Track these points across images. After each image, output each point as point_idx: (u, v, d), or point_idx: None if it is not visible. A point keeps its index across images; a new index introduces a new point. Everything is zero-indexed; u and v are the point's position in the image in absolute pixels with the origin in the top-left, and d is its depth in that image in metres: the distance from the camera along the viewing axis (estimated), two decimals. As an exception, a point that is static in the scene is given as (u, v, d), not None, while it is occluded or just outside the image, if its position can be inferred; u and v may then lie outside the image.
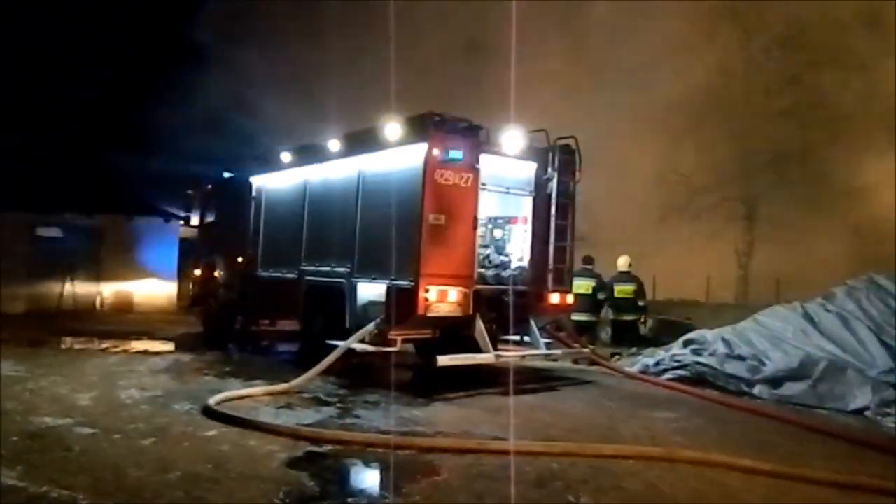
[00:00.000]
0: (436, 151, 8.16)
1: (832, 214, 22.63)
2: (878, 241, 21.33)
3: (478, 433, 6.22)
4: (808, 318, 9.92)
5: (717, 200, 24.28)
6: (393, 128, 8.54)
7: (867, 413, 7.67)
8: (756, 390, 8.76)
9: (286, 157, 11.21)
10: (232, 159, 14.81)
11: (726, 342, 10.09)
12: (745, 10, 23.30)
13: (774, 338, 9.87)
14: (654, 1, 22.75)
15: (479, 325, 8.49)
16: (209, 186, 14.64)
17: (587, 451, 5.49)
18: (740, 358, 9.53)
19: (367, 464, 5.26)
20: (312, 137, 11.13)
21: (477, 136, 8.82)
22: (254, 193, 12.03)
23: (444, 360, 7.89)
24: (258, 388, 7.77)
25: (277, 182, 11.53)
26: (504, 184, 9.21)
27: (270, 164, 11.63)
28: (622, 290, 12.74)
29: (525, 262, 9.49)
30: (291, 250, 10.58)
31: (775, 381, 8.66)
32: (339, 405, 7.29)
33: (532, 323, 9.26)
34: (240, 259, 12.31)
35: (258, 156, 12.54)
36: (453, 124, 8.63)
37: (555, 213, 9.32)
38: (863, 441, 6.38)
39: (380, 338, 8.33)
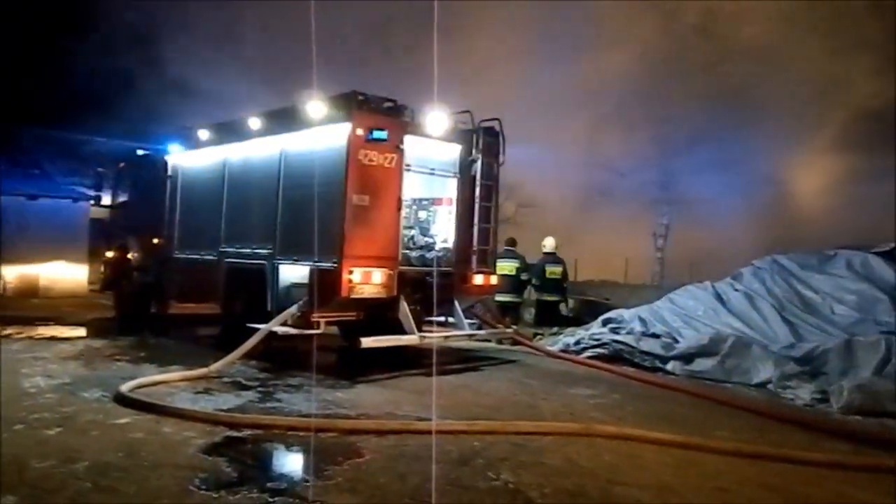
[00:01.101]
0: (360, 131, 8.04)
1: (743, 199, 23.81)
2: (783, 225, 22.62)
3: (401, 414, 6.23)
4: (718, 297, 10.42)
5: (636, 184, 25.10)
6: (316, 106, 8.35)
7: (770, 386, 8.11)
8: (669, 366, 9.13)
9: (204, 134, 10.81)
10: (145, 136, 14.18)
11: (642, 321, 10.48)
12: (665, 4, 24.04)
13: (687, 316, 10.33)
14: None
15: (404, 306, 8.48)
16: (121, 165, 13.96)
17: (508, 429, 5.58)
18: (655, 336, 9.92)
19: (288, 448, 5.18)
20: (232, 114, 10.77)
21: (402, 117, 8.73)
22: (170, 172, 11.56)
23: (368, 342, 7.84)
24: (175, 374, 7.51)
25: (195, 161, 11.11)
26: (429, 165, 9.19)
27: (187, 141, 11.20)
28: (552, 271, 12.94)
29: (450, 244, 9.51)
30: (210, 231, 10.25)
31: (687, 358, 9.04)
32: (260, 389, 7.14)
33: (456, 304, 9.32)
34: (155, 240, 11.84)
35: (174, 133, 12.04)
36: (377, 104, 8.51)
37: (479, 195, 9.38)
38: (766, 412, 6.75)
39: (302, 320, 8.19)
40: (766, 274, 10.42)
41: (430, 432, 5.34)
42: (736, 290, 10.44)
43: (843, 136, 23.84)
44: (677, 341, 9.61)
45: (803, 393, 7.57)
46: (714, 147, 24.12)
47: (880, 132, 23.86)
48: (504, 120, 9.59)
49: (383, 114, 8.46)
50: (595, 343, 10.11)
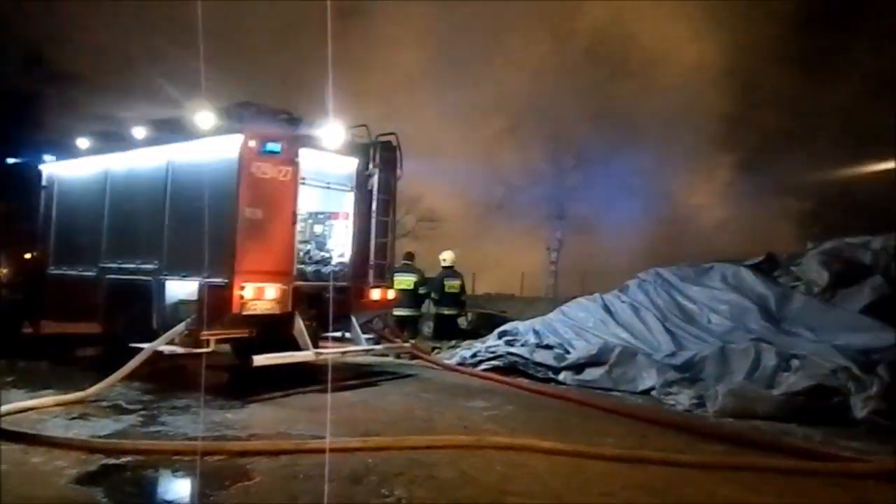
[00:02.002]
0: (252, 143, 7.84)
1: (631, 214, 25.05)
2: (670, 239, 23.97)
3: (294, 433, 6.08)
4: (606, 308, 10.86)
5: (532, 199, 25.85)
6: (205, 116, 8.08)
7: (653, 393, 8.53)
8: (561, 376, 9.41)
9: (84, 143, 10.19)
10: (17, 144, 13.18)
11: (536, 333, 10.76)
12: (558, 21, 24.99)
13: (578, 327, 10.70)
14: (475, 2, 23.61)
15: (299, 322, 8.31)
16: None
17: (403, 444, 5.57)
18: (548, 347, 10.21)
19: (172, 474, 4.93)
20: (115, 123, 10.23)
21: (297, 129, 8.60)
22: (44, 183, 10.81)
23: (260, 360, 7.62)
24: (47, 399, 6.99)
25: (73, 171, 10.44)
26: (325, 179, 9.09)
27: (65, 150, 10.52)
28: (451, 285, 13.03)
29: (346, 258, 9.43)
30: (90, 246, 9.65)
31: (578, 368, 9.35)
32: (142, 413, 6.77)
33: (353, 319, 9.24)
34: (27, 255, 11.01)
35: (50, 141, 11.28)
36: (272, 115, 8.35)
37: (376, 209, 9.36)
38: (648, 418, 7.09)
39: (191, 338, 7.85)
40: (649, 286, 10.98)
41: (323, 451, 5.25)
42: (623, 301, 10.94)
43: (729, 154, 25.58)
44: (569, 352, 9.92)
45: (683, 398, 8.01)
46: (605, 164, 25.29)
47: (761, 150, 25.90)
48: (403, 134, 9.66)
49: (277, 126, 8.30)
50: (491, 355, 10.28)
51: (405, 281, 12.34)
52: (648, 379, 8.72)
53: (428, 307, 13.76)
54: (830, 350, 7.89)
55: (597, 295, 11.51)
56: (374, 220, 9.37)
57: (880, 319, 8.81)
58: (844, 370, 7.41)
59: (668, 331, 9.94)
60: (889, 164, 24.98)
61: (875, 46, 22.86)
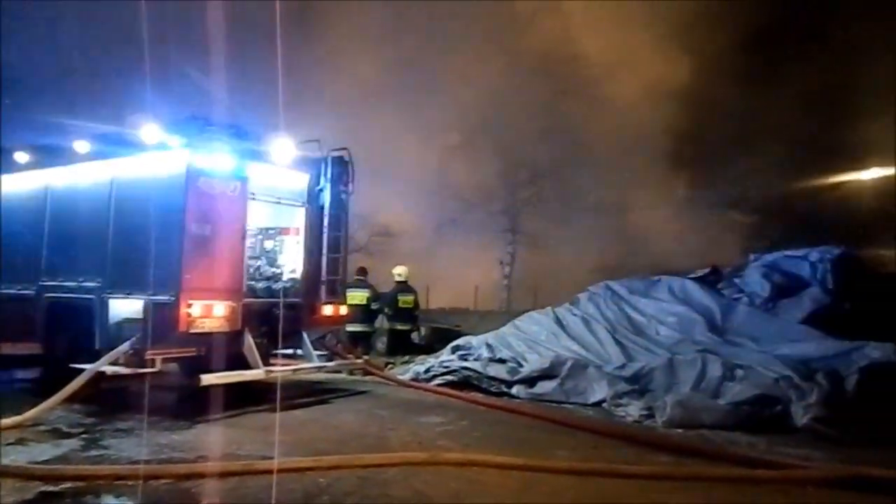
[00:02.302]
0: (199, 158, 7.71)
1: (582, 228, 25.48)
2: (619, 253, 24.43)
3: (243, 454, 5.96)
4: (558, 321, 10.98)
5: (485, 214, 26.05)
6: (151, 130, 7.90)
7: (604, 405, 8.63)
8: (514, 390, 9.46)
9: (21, 157, 9.85)
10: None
11: (490, 347, 10.80)
12: (508, 39, 25.34)
13: (531, 341, 10.78)
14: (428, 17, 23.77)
15: (249, 339, 8.17)
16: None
17: (355, 463, 5.52)
18: (501, 361, 10.25)
19: (115, 499, 4.77)
20: (56, 136, 9.92)
21: (246, 144, 8.49)
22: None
23: (208, 379, 7.45)
24: (-19, 424, 6.69)
25: (10, 186, 10.07)
26: (275, 194, 9.00)
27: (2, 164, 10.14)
28: (405, 300, 13.00)
29: (298, 274, 9.33)
30: (27, 263, 9.28)
31: (531, 381, 9.41)
32: (84, 436, 6.54)
33: (305, 336, 9.13)
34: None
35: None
36: (220, 130, 8.22)
37: (328, 225, 9.30)
38: (599, 430, 7.17)
39: (136, 358, 7.63)
40: (600, 299, 11.16)
41: (273, 471, 5.16)
42: (574, 314, 11.08)
43: (678, 169, 26.24)
44: (522, 366, 9.98)
45: (633, 410, 8.13)
46: (557, 179, 25.71)
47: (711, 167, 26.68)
48: (356, 148, 9.64)
49: (226, 140, 8.17)
50: (445, 370, 10.27)
51: (358, 296, 12.27)
52: (599, 391, 8.83)
53: (381, 322, 13.70)
54: (772, 360, 8.14)
55: (549, 308, 11.64)
56: (326, 236, 9.30)
57: (819, 329, 9.15)
58: (786, 379, 7.65)
59: (619, 343, 10.11)
60: (828, 179, 26.09)
61: (820, 61, 23.77)
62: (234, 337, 8.07)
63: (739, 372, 8.09)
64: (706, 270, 11.47)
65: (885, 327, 8.88)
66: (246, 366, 8.12)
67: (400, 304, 12.84)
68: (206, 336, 7.77)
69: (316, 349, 9.43)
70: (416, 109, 23.71)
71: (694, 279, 11.02)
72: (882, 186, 27.44)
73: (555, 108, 25.30)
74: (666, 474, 5.52)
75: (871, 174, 27.79)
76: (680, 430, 7.42)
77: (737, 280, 10.97)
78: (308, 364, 9.09)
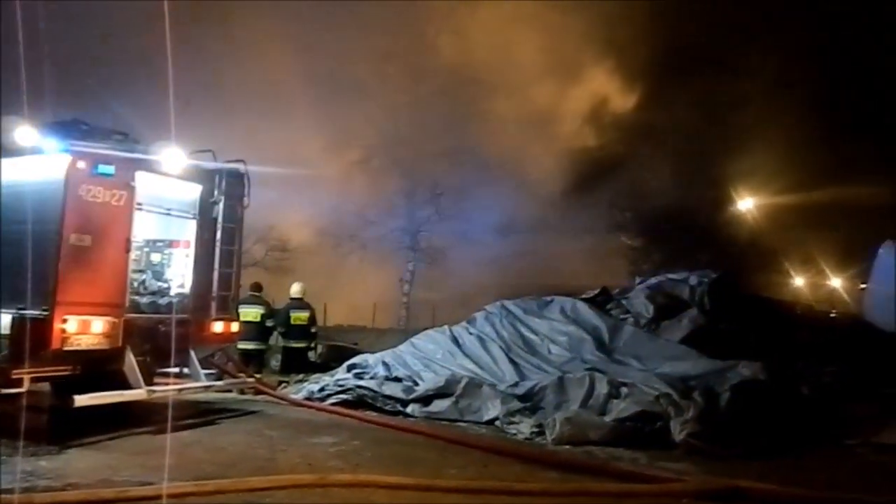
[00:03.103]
0: (81, 164, 7.26)
1: (482, 247, 25.94)
2: (515, 273, 25.02)
3: (120, 480, 5.60)
4: (454, 340, 11.09)
5: (386, 231, 26.03)
6: (27, 133, 7.38)
7: (497, 422, 8.76)
8: (410, 409, 9.44)
9: None
10: None
11: (386, 365, 10.75)
12: (413, 60, 25.61)
13: (427, 359, 10.82)
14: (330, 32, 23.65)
15: (130, 357, 7.72)
16: None
17: (240, 486, 5.31)
18: (398, 379, 10.22)
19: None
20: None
21: (134, 151, 8.08)
22: None
23: (82, 400, 6.97)
24: None
25: None
26: (165, 205, 8.62)
27: None
28: (298, 317, 12.72)
29: (186, 289, 8.94)
30: None
31: (425, 400, 9.43)
32: (-65, 464, 5.95)
33: (192, 353, 8.72)
34: None
35: None
36: (105, 135, 7.81)
37: (220, 238, 8.98)
38: (490, 448, 7.27)
39: (1, 377, 7.04)
40: (495, 318, 11.37)
41: (151, 498, 4.89)
42: (470, 333, 11.23)
43: (574, 191, 27.24)
44: (417, 384, 9.98)
45: (524, 427, 8.30)
46: (458, 198, 26.10)
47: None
48: (255, 161, 9.41)
49: (112, 146, 7.76)
50: (339, 389, 10.11)
51: (251, 313, 11.92)
52: (493, 409, 8.95)
53: (276, 340, 13.36)
54: (654, 378, 8.55)
55: (446, 327, 11.74)
56: (218, 250, 8.98)
57: (696, 348, 9.71)
58: (666, 396, 8.05)
59: (512, 361, 10.31)
60: (711, 206, 27.88)
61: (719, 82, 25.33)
62: (115, 354, 7.62)
63: (624, 390, 8.44)
64: (596, 291, 11.95)
65: (755, 347, 9.58)
66: (127, 385, 7.67)
67: (293, 321, 12.57)
68: (83, 353, 7.28)
69: (204, 368, 9.04)
70: (318, 123, 23.48)
71: (584, 300, 11.44)
72: (757, 215, 29.69)
73: (458, 127, 25.76)
74: (553, 491, 5.67)
75: (747, 203, 30.03)
76: (568, 447, 7.63)
77: (624, 301, 11.48)
78: (195, 383, 8.68)
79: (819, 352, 10.12)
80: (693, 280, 11.41)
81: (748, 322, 10.83)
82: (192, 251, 8.95)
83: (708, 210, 27.42)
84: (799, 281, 31.97)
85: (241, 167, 9.20)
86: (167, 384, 8.64)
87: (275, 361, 13.48)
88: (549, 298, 11.74)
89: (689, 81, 24.62)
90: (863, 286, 15.25)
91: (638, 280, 12.42)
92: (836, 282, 31.95)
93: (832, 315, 15.34)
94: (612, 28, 24.36)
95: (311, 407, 9.60)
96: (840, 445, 7.79)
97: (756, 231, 29.32)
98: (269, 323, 12.40)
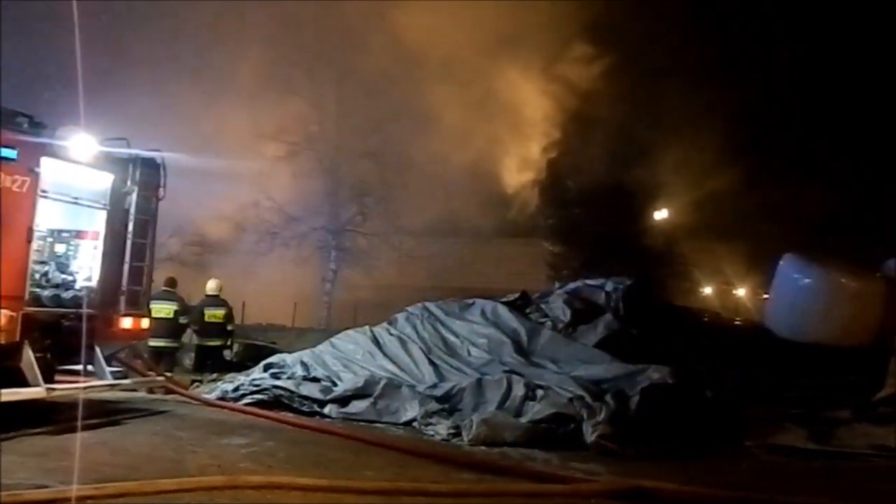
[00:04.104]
0: (-22, 147, 6.83)
1: (406, 249, 25.93)
2: (438, 275, 25.15)
3: (12, 483, 5.27)
4: (375, 341, 11.03)
5: (308, 229, 25.60)
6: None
7: (415, 424, 8.77)
8: (327, 410, 9.33)
9: None
10: None
11: (304, 365, 10.59)
12: (342, 59, 25.23)
13: (347, 360, 10.72)
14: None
15: (28, 353, 7.28)
16: None
17: (145, 489, 5.10)
18: (315, 380, 10.09)
19: None
20: None
21: (39, 136, 7.64)
22: None
23: (-29, 399, 6.54)
24: None
25: None
26: (72, 193, 8.18)
27: None
28: (213, 314, 12.37)
29: (94, 283, 8.52)
30: None
31: (344, 400, 9.35)
32: None
33: (98, 350, 8.32)
34: None
35: None
36: (7, 118, 7.34)
37: (132, 231, 8.63)
38: (407, 449, 7.27)
39: None
40: (416, 319, 11.38)
41: (47, 501, 4.63)
42: (391, 334, 11.19)
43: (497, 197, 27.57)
44: (336, 384, 9.89)
45: (441, 429, 8.33)
46: (383, 199, 25.98)
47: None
48: (174, 151, 9.10)
49: (13, 129, 7.30)
50: (255, 389, 9.88)
51: (164, 309, 11.52)
52: (411, 410, 8.97)
53: (190, 338, 12.96)
54: (569, 380, 8.77)
55: (367, 327, 11.67)
56: (129, 242, 8.62)
57: (610, 352, 10.01)
58: (579, 399, 8.27)
59: (432, 363, 10.34)
60: (631, 214, 28.85)
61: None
62: (11, 350, 7.18)
63: (540, 392, 8.62)
64: (516, 295, 12.15)
65: (665, 351, 9.97)
66: (25, 383, 7.24)
67: (207, 319, 12.21)
68: (-27, 349, 6.84)
69: (111, 365, 8.66)
70: (242, 117, 22.87)
71: (505, 303, 11.60)
72: (670, 224, 30.96)
73: (385, 128, 25.61)
74: (467, 492, 5.72)
75: (662, 214, 31.27)
76: (484, 448, 7.71)
77: (543, 305, 11.72)
78: (100, 382, 8.29)
79: (723, 357, 10.62)
80: (609, 286, 11.77)
81: (659, 328, 11.27)
82: (101, 243, 8.54)
83: (625, 219, 28.37)
84: (708, 289, 33.56)
85: (157, 156, 8.87)
86: (69, 382, 8.22)
87: (188, 360, 13.06)
88: (470, 301, 11.85)
89: (613, 92, 25.38)
90: (765, 296, 16.13)
91: (557, 285, 12.72)
92: (741, 291, 33.74)
93: (737, 322, 16.15)
94: (544, 31, 24.82)
95: (224, 407, 9.34)
96: (739, 446, 8.19)
97: (670, 241, 30.56)
98: (182, 320, 12.01)
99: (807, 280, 11.72)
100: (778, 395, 9.49)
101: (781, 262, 12.27)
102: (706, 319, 13.53)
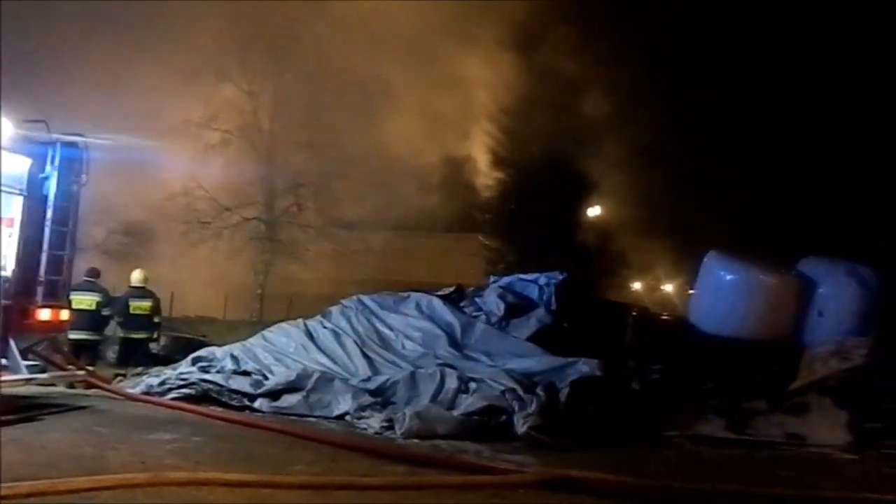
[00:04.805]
0: None
1: (341, 241, 25.68)
2: (374, 268, 25.02)
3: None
4: (308, 334, 10.90)
5: (240, 220, 25.05)
6: None
7: (347, 417, 8.71)
8: (257, 404, 9.15)
9: None
10: None
11: (235, 358, 10.37)
12: (279, 48, 24.68)
13: (279, 353, 10.56)
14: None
15: (-67, 347, 6.89)
16: None
17: (61, 487, 4.87)
18: (246, 373, 9.89)
19: None
20: None
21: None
22: None
23: None
24: None
25: None
26: (-14, 178, 7.76)
27: None
28: (138, 306, 11.97)
29: (9, 272, 8.10)
30: None
31: (275, 394, 9.19)
32: None
33: (12, 343, 7.93)
34: None
35: None
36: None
37: (51, 218, 8.25)
38: (338, 443, 7.22)
39: None
40: (351, 312, 11.30)
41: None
42: (325, 327, 11.08)
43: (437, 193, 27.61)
44: (267, 378, 9.72)
45: (374, 422, 8.31)
46: (318, 191, 25.63)
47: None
48: (97, 135, 8.73)
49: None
50: (182, 383, 9.60)
51: (85, 300, 11.08)
52: (343, 404, 8.89)
53: (114, 330, 12.52)
54: (501, 373, 8.88)
55: (300, 320, 11.52)
56: (48, 230, 8.24)
57: (542, 346, 10.18)
58: (511, 391, 8.38)
59: (366, 356, 10.29)
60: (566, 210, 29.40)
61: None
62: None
63: (473, 385, 8.70)
64: (451, 289, 12.21)
65: (595, 345, 10.20)
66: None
67: (132, 310, 11.81)
68: None
69: (27, 359, 8.27)
70: (174, 104, 22.14)
71: (440, 297, 11.64)
72: (603, 221, 31.74)
73: (321, 119, 25.25)
74: (398, 484, 5.72)
75: (596, 211, 32.01)
76: (416, 441, 7.73)
77: (477, 299, 11.82)
78: (14, 376, 7.89)
79: (650, 350, 10.96)
80: (542, 280, 11.97)
81: (590, 322, 11.53)
82: (16, 230, 8.14)
83: (561, 216, 28.91)
84: (637, 285, 34.60)
85: (79, 140, 8.49)
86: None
87: (111, 353, 12.61)
88: (405, 294, 11.84)
89: (551, 88, 25.78)
90: (690, 292, 16.72)
91: (492, 279, 12.84)
92: (669, 287, 34.92)
93: (664, 317, 16.69)
94: (482, 24, 24.96)
95: (149, 402, 9.05)
96: (663, 436, 8.48)
97: (603, 237, 31.33)
98: (105, 312, 11.58)
99: (728, 277, 12.19)
100: (700, 387, 9.86)
101: (705, 260, 12.73)
102: (635, 314, 13.91)
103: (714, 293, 12.42)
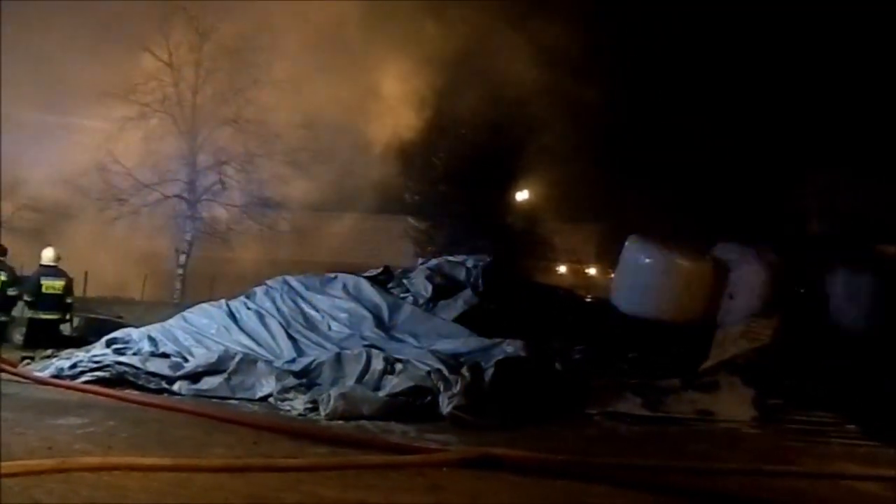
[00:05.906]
0: None
1: (266, 221, 25.13)
2: (299, 249, 24.63)
3: None
4: (231, 315, 10.66)
5: (160, 197, 24.15)
6: None
7: (271, 399, 8.57)
8: (176, 386, 8.90)
9: None
10: None
11: (152, 340, 10.05)
12: (199, 14, 23.72)
13: (199, 334, 10.29)
14: None
15: None
16: None
17: (-43, 476, 4.61)
18: (165, 356, 9.61)
19: None
20: None
21: None
22: None
23: None
24: None
25: None
26: None
27: None
28: (50, 285, 11.43)
29: None
30: None
31: (195, 377, 8.96)
32: None
33: None
34: None
35: None
36: None
37: (-50, 192, 7.73)
38: (260, 425, 7.09)
39: None
40: (276, 293, 11.11)
41: None
42: (249, 308, 10.85)
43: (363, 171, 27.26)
44: (187, 360, 9.45)
45: (298, 404, 8.21)
46: (243, 168, 24.95)
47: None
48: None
49: None
50: (95, 366, 9.22)
51: (-11, 280, 10.47)
52: (267, 386, 8.75)
53: (22, 311, 11.91)
54: (427, 354, 8.92)
55: (222, 301, 11.25)
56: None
57: (469, 327, 10.30)
58: (437, 372, 8.43)
59: (291, 338, 10.15)
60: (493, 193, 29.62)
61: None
62: None
63: (399, 366, 8.70)
64: (379, 270, 12.18)
65: (520, 326, 10.39)
66: None
67: (44, 290, 11.26)
68: None
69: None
70: (88, 73, 20.99)
71: (367, 278, 11.59)
72: (530, 204, 32.21)
73: (247, 94, 24.50)
74: (321, 465, 5.67)
75: (524, 194, 32.43)
76: (341, 422, 7.68)
77: (405, 280, 11.82)
78: None
79: (573, 331, 11.26)
80: (469, 262, 12.08)
81: (516, 303, 11.73)
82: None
83: (489, 198, 29.12)
84: (563, 268, 35.35)
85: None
86: None
87: (18, 335, 12.00)
88: (332, 275, 11.72)
89: (480, 69, 25.69)
90: (612, 275, 17.23)
91: (420, 261, 12.86)
92: (592, 270, 35.85)
93: (587, 299, 17.14)
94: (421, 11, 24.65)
95: (58, 385, 8.66)
96: (583, 414, 8.74)
97: (530, 220, 31.76)
98: (11, 291, 11.02)
99: (647, 260, 12.62)
100: (619, 366, 10.21)
101: (627, 244, 13.13)
102: (560, 295, 14.23)
103: (634, 276, 12.84)
